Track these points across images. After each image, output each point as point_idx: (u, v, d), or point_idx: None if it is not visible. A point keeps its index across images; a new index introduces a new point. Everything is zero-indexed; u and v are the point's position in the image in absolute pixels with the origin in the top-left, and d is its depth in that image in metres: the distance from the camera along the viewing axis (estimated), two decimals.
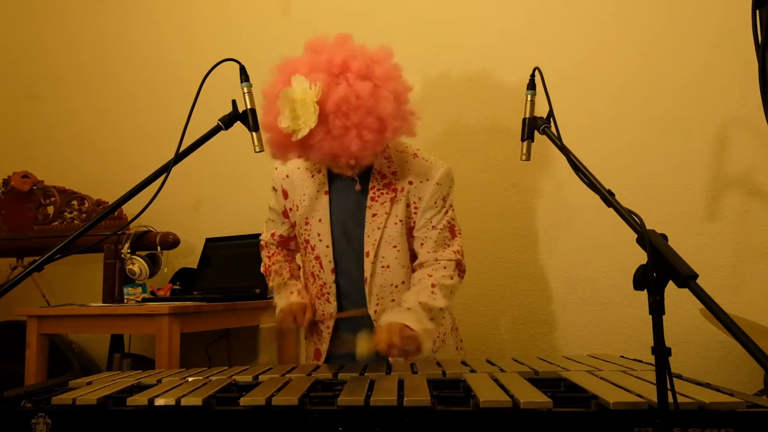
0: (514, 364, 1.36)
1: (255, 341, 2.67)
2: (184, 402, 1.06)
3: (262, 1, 2.75)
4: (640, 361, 1.41)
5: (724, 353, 2.02)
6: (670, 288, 0.88)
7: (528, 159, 1.48)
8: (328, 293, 1.65)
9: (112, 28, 3.07)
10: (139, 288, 2.50)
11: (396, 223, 1.59)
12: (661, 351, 0.85)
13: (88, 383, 1.29)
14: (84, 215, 2.79)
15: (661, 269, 0.88)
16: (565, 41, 2.24)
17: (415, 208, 1.61)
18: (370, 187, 1.62)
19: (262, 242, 1.83)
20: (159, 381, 1.26)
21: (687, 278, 0.86)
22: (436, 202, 1.60)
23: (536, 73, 1.47)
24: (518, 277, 2.26)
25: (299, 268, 1.80)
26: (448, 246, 1.60)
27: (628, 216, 1.04)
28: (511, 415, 0.96)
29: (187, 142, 1.36)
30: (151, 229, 2.63)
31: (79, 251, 1.75)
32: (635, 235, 0.99)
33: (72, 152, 3.10)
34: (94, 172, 3.00)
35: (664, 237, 0.94)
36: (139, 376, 1.34)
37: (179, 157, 1.35)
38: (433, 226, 1.60)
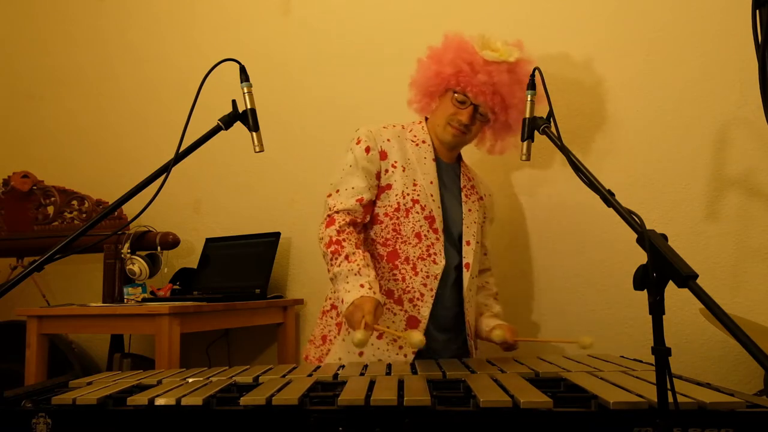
0: (514, 364, 1.36)
1: (255, 341, 2.67)
2: (184, 402, 1.06)
3: (262, 1, 2.75)
4: (640, 361, 1.41)
5: (724, 353, 2.02)
6: (670, 288, 0.88)
7: (528, 159, 1.48)
8: (436, 253, 1.67)
9: (112, 28, 3.07)
10: (139, 288, 2.50)
11: (480, 224, 1.82)
12: (661, 351, 0.85)
13: (89, 383, 1.29)
14: (84, 215, 2.79)
15: (661, 269, 0.88)
16: (565, 41, 2.24)
17: (484, 218, 1.87)
18: (462, 185, 1.80)
19: (336, 216, 1.62)
20: (159, 381, 1.26)
21: (687, 278, 0.86)
22: (494, 216, 1.94)
23: (536, 73, 1.48)
24: (518, 277, 2.26)
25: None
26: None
27: (628, 216, 1.05)
28: (511, 415, 0.96)
29: (187, 142, 1.37)
30: (151, 229, 2.63)
31: (79, 251, 1.76)
32: (635, 235, 0.99)
33: (72, 152, 3.10)
34: (94, 172, 3.00)
35: (664, 237, 0.94)
36: (140, 376, 1.35)
37: (179, 157, 1.35)
38: (488, 240, 1.93)
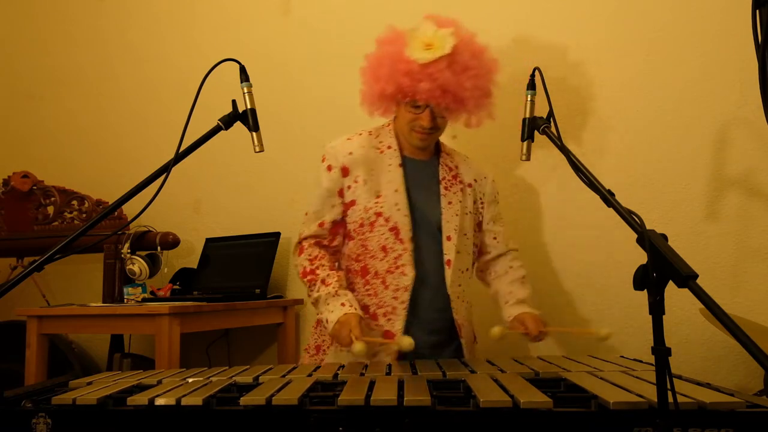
0: (514, 364, 1.36)
1: (255, 341, 2.67)
2: (184, 402, 1.06)
3: (262, 1, 2.75)
4: (640, 361, 1.41)
5: (724, 353, 2.02)
6: (670, 288, 0.88)
7: (528, 159, 1.48)
8: (404, 265, 1.63)
9: (112, 28, 3.07)
10: (139, 288, 2.50)
11: (467, 214, 1.73)
12: (661, 351, 0.85)
13: (89, 383, 1.29)
14: (84, 215, 2.79)
15: (661, 269, 0.88)
16: (565, 41, 2.24)
17: (482, 203, 1.78)
18: (441, 176, 1.73)
19: (304, 243, 1.71)
20: (159, 381, 1.26)
21: (687, 278, 0.86)
22: (495, 197, 1.82)
23: (536, 73, 1.48)
24: None
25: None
26: (510, 237, 1.85)
27: (628, 216, 1.05)
28: (511, 415, 0.96)
29: (187, 142, 1.37)
30: (151, 229, 2.63)
31: (79, 251, 1.76)
32: (635, 235, 0.99)
33: (72, 152, 3.10)
34: (94, 172, 3.00)
35: (664, 237, 0.94)
36: (140, 376, 1.34)
37: (179, 157, 1.35)
38: (499, 220, 1.82)
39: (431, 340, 1.66)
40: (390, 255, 1.63)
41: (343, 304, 1.56)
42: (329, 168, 1.68)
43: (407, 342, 1.37)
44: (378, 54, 1.65)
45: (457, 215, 1.69)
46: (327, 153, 1.70)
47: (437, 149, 1.79)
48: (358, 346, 1.39)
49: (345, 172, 1.67)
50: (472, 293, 1.80)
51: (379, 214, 1.64)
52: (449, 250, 1.67)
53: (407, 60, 1.56)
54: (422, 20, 1.61)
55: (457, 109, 1.63)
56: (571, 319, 2.19)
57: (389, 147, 1.70)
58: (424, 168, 1.73)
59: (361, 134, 1.73)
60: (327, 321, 1.57)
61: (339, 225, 1.71)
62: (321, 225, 1.70)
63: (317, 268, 1.64)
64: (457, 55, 1.57)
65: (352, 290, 1.67)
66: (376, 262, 1.65)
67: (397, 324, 1.62)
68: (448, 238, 1.68)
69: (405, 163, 1.71)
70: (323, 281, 1.61)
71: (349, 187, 1.67)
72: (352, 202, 1.67)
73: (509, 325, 1.68)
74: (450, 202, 1.70)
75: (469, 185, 1.76)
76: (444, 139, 1.86)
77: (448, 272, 1.67)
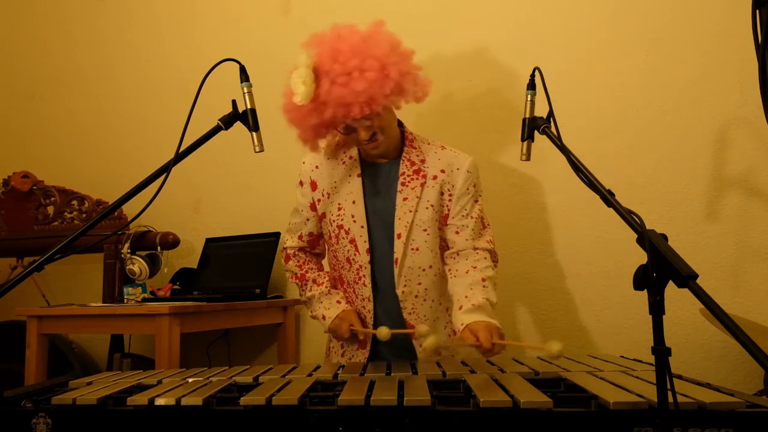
0: (514, 364, 1.36)
1: (255, 341, 2.67)
2: (184, 402, 1.06)
3: (262, 1, 2.75)
4: (640, 361, 1.41)
5: (724, 353, 2.02)
6: (670, 288, 0.88)
7: (528, 159, 1.48)
8: (364, 276, 1.65)
9: (112, 28, 3.07)
10: (139, 288, 2.50)
11: (427, 208, 1.64)
12: (661, 351, 0.85)
13: (89, 383, 1.29)
14: (84, 215, 2.79)
15: (661, 269, 0.88)
16: (565, 41, 2.24)
17: (450, 195, 1.66)
18: (400, 172, 1.67)
19: (289, 252, 1.80)
20: (159, 381, 1.26)
21: (687, 278, 0.86)
22: (468, 189, 1.67)
23: (536, 73, 1.48)
24: (518, 277, 2.26)
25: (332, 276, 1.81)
26: (482, 235, 1.68)
27: (628, 216, 1.05)
28: (511, 415, 0.96)
29: (187, 142, 1.37)
30: (151, 229, 2.63)
31: (79, 251, 1.76)
32: (635, 235, 0.99)
33: (72, 152, 3.10)
34: (94, 172, 3.00)
35: (664, 237, 0.94)
36: (140, 376, 1.34)
37: (179, 157, 1.35)
38: (467, 215, 1.66)
39: (395, 345, 1.64)
40: (353, 266, 1.67)
41: (339, 302, 1.68)
42: (301, 183, 1.75)
43: (384, 332, 1.47)
44: (286, 115, 1.61)
45: (411, 211, 1.63)
46: (300, 168, 1.76)
47: (403, 145, 1.70)
48: (384, 331, 1.47)
49: (313, 186, 1.72)
50: None
51: (340, 227, 1.67)
52: (398, 248, 1.63)
53: (298, 107, 1.51)
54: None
55: (374, 109, 1.51)
56: (570, 319, 2.19)
57: (351, 157, 1.70)
58: (386, 170, 1.69)
59: (331, 145, 1.73)
60: (323, 317, 1.67)
61: (315, 236, 1.78)
62: (300, 238, 1.78)
63: (306, 272, 1.76)
64: (334, 66, 1.48)
65: None
66: (345, 273, 1.71)
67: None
68: (398, 236, 1.63)
69: (366, 170, 1.69)
70: (314, 281, 1.73)
71: (319, 201, 1.71)
72: (323, 215, 1.72)
73: (460, 335, 1.47)
74: (405, 198, 1.64)
75: (434, 177, 1.65)
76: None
77: (395, 271, 1.63)
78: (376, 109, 1.51)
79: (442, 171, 1.66)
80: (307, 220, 1.75)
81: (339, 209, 1.68)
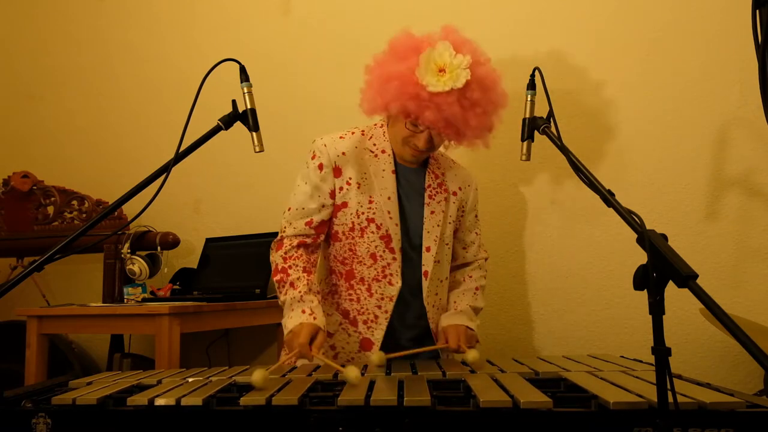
0: (514, 364, 1.36)
1: (255, 341, 2.67)
2: (184, 402, 1.06)
3: (262, 1, 2.75)
4: (640, 361, 1.41)
5: (724, 353, 2.02)
6: (670, 288, 0.88)
7: (528, 159, 1.48)
8: (392, 274, 1.61)
9: (112, 28, 3.07)
10: (139, 288, 2.50)
11: (449, 223, 1.70)
12: (661, 351, 0.85)
13: (88, 383, 1.29)
14: (84, 215, 2.80)
15: (661, 269, 0.88)
16: (565, 41, 2.24)
17: (462, 211, 1.75)
18: (426, 184, 1.68)
19: (284, 240, 1.65)
20: (159, 381, 1.26)
21: (687, 278, 0.86)
22: (475, 206, 1.79)
23: (536, 73, 1.48)
24: (518, 277, 2.26)
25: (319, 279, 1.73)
26: (480, 246, 1.82)
27: (628, 216, 1.04)
28: (511, 415, 0.96)
29: (187, 142, 1.37)
30: (151, 229, 2.63)
31: (79, 251, 1.76)
32: (635, 235, 0.99)
33: (72, 152, 3.10)
34: (94, 172, 3.00)
35: (664, 237, 0.94)
36: (140, 376, 1.34)
37: (179, 157, 1.35)
38: (475, 231, 1.79)
39: (408, 347, 1.62)
40: (379, 263, 1.61)
41: (303, 312, 1.49)
42: (320, 167, 1.62)
43: (353, 375, 1.16)
44: (388, 66, 1.54)
45: (438, 225, 1.66)
46: (318, 149, 1.63)
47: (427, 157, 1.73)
48: (255, 375, 1.13)
49: (337, 172, 1.62)
50: None
51: (371, 220, 1.61)
52: (427, 261, 1.64)
53: (416, 83, 1.47)
54: (439, 39, 1.51)
55: (456, 139, 1.58)
56: (570, 319, 2.19)
57: (383, 151, 1.65)
58: (413, 176, 1.68)
59: (353, 133, 1.67)
60: (285, 327, 1.51)
61: (325, 224, 1.66)
62: (308, 224, 1.63)
63: (290, 267, 1.59)
64: (468, 90, 1.48)
65: (335, 292, 1.67)
66: (364, 269, 1.62)
67: (377, 333, 1.62)
68: (427, 249, 1.64)
69: (397, 169, 1.66)
70: (292, 284, 1.55)
71: (341, 189, 1.62)
72: (344, 204, 1.63)
73: (440, 336, 1.64)
74: (433, 212, 1.66)
75: (454, 193, 1.71)
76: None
77: (425, 283, 1.64)
78: (458, 141, 1.59)
79: (460, 188, 1.74)
80: (323, 206, 1.63)
81: (370, 202, 1.61)
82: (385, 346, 1.60)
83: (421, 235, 1.65)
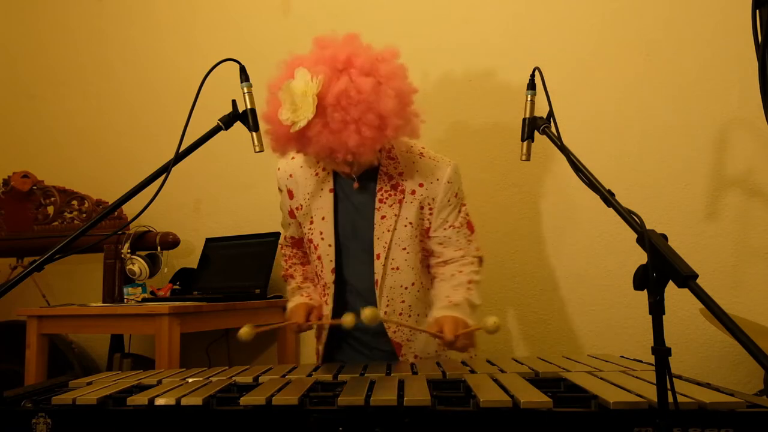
0: (514, 364, 1.36)
1: (255, 341, 2.67)
2: (184, 402, 1.06)
3: (262, 1, 2.75)
4: (640, 361, 1.41)
5: (724, 353, 2.02)
6: (670, 288, 0.88)
7: (528, 159, 1.48)
8: (327, 294, 1.64)
9: (112, 28, 3.07)
10: (139, 288, 2.50)
11: (405, 226, 1.58)
12: (661, 351, 0.85)
13: (89, 383, 1.29)
14: (84, 215, 2.79)
15: (661, 269, 0.88)
16: (565, 41, 2.24)
17: (430, 209, 1.59)
18: (377, 188, 1.59)
19: (280, 245, 1.87)
20: (159, 381, 1.26)
21: (687, 278, 0.86)
22: (449, 200, 1.60)
23: (536, 73, 1.47)
24: (518, 277, 2.26)
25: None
26: (470, 242, 1.63)
27: (628, 216, 1.04)
28: (511, 415, 0.96)
29: (187, 142, 1.36)
30: (151, 229, 2.63)
31: (79, 251, 1.75)
32: (635, 235, 0.99)
33: (72, 152, 3.10)
34: (94, 172, 3.00)
35: (664, 237, 0.94)
36: (140, 376, 1.34)
37: (179, 157, 1.35)
38: (451, 225, 1.60)
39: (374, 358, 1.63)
40: (320, 282, 1.67)
41: (301, 296, 1.69)
42: (279, 190, 1.73)
43: (348, 319, 1.39)
44: (269, 107, 1.48)
45: (389, 230, 1.57)
46: (277, 174, 1.71)
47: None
48: (242, 330, 1.42)
49: (290, 194, 1.69)
50: None
51: (310, 241, 1.65)
52: (378, 270, 1.58)
53: (282, 124, 1.41)
54: (297, 67, 1.41)
55: (358, 159, 1.46)
56: (570, 319, 2.19)
57: (323, 169, 1.62)
58: (365, 182, 1.60)
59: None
60: (288, 309, 1.68)
61: (300, 239, 1.76)
62: (285, 238, 1.82)
63: (290, 266, 1.79)
64: (327, 114, 1.37)
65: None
66: (318, 286, 1.71)
67: (320, 347, 1.74)
68: (377, 257, 1.58)
69: (340, 184, 1.62)
70: (292, 276, 1.77)
71: (297, 209, 1.68)
72: (301, 224, 1.70)
73: (426, 324, 1.51)
74: (383, 216, 1.57)
75: (413, 192, 1.58)
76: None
77: (377, 292, 1.59)
78: (361, 159, 1.47)
79: (421, 185, 1.58)
80: (290, 224, 1.75)
81: (310, 222, 1.64)
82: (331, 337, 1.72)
83: (370, 243, 1.59)
